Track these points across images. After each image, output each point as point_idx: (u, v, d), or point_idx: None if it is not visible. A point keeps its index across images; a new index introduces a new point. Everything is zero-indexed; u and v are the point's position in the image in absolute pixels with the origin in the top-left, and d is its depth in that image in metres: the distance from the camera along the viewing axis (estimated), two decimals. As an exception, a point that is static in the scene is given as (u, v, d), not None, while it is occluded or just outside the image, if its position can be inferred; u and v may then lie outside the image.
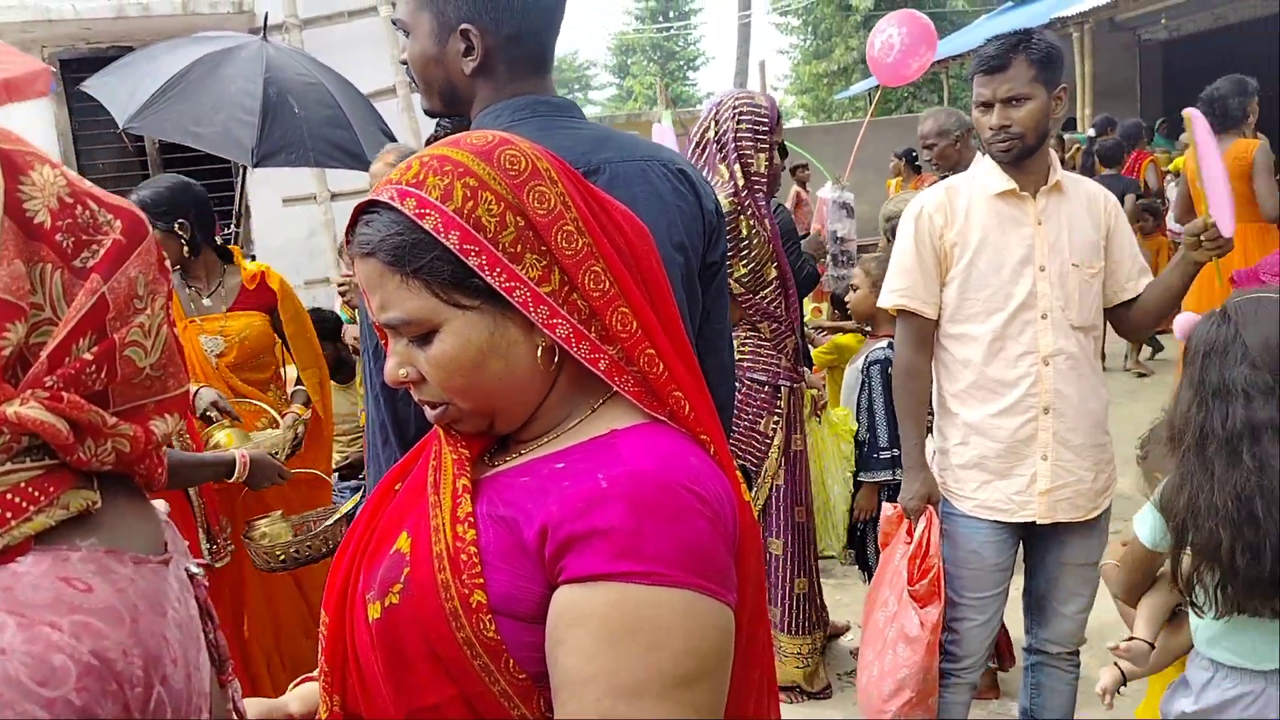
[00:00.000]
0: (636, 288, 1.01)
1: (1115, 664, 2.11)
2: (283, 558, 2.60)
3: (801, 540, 3.40)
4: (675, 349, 1.03)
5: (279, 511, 2.77)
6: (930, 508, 2.60)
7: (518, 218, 0.97)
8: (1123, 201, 7.00)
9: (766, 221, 3.20)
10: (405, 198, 0.96)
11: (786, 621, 3.41)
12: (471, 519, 0.97)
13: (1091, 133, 9.30)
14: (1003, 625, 3.18)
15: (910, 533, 2.65)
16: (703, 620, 0.89)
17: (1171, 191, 8.06)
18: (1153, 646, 2.08)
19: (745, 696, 1.03)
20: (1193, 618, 1.92)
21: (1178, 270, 2.46)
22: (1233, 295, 1.85)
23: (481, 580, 0.94)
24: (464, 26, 1.52)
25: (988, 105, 2.45)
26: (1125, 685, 2.12)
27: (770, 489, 3.32)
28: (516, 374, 1.00)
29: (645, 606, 0.87)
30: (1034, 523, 2.52)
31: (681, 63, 39.12)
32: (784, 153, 4.04)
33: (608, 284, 0.99)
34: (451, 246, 0.95)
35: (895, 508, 2.73)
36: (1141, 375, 7.45)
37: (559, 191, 0.99)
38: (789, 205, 9.75)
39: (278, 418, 3.07)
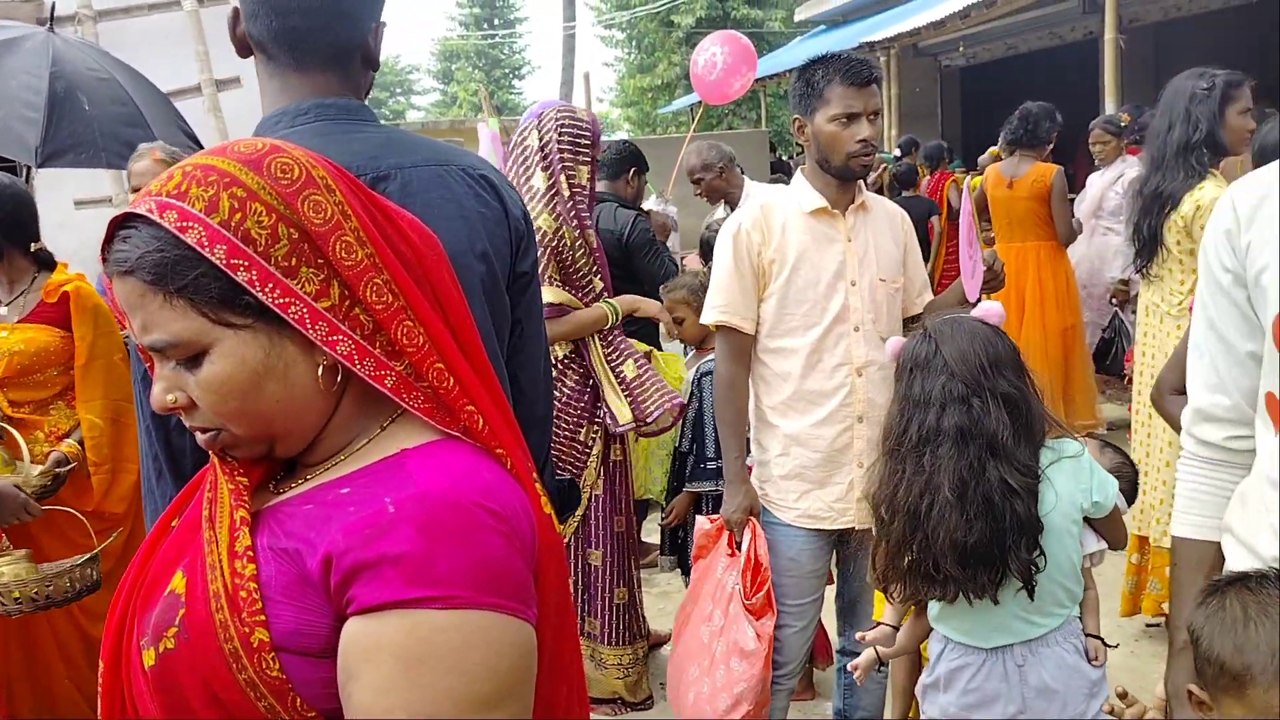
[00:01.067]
0: (425, 299, 0.97)
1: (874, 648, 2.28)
2: (18, 598, 2.35)
3: (621, 550, 3.40)
4: (469, 361, 0.99)
5: (24, 551, 2.52)
6: (753, 520, 2.64)
7: (291, 229, 0.91)
8: (925, 222, 7.38)
9: (591, 233, 3.19)
10: (165, 210, 0.89)
11: (607, 632, 3.40)
12: (250, 553, 0.91)
13: (897, 153, 9.79)
14: (821, 627, 3.28)
15: (731, 546, 2.68)
16: (501, 640, 0.87)
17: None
18: (897, 629, 2.27)
19: (553, 712, 1.01)
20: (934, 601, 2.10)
21: (957, 294, 2.62)
22: (931, 318, 2.07)
23: (263, 618, 0.89)
24: (235, 5, 1.46)
25: (853, 117, 2.47)
26: (881, 667, 2.33)
27: (590, 498, 3.30)
28: (296, 395, 0.95)
29: (440, 632, 0.85)
30: (850, 528, 2.60)
31: (507, 70, 38.93)
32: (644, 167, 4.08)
33: (392, 296, 0.94)
34: (218, 262, 0.89)
35: (712, 520, 2.76)
36: None
37: (336, 200, 0.94)
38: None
39: (22, 446, 2.76)
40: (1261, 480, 1.37)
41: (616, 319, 3.18)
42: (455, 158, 1.53)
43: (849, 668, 2.24)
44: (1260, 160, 2.96)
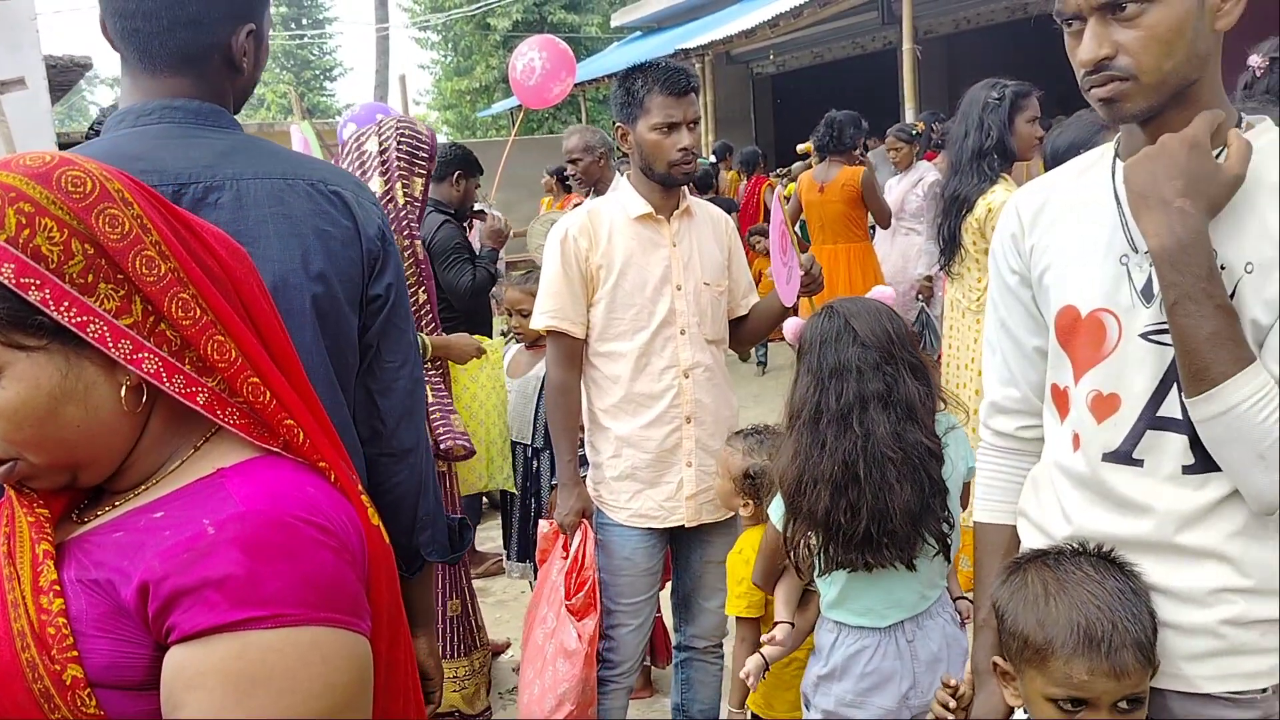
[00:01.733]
0: (235, 313, 0.94)
1: (760, 651, 2.27)
2: None
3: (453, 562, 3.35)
4: (285, 375, 0.97)
5: None
6: (585, 522, 2.66)
7: (86, 245, 0.87)
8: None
9: (419, 245, 3.14)
10: None
11: (441, 645, 3.35)
12: (57, 587, 0.86)
13: (713, 158, 10.05)
14: (661, 625, 3.33)
15: (566, 548, 2.70)
16: (337, 654, 0.86)
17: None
18: (792, 625, 2.27)
19: (391, 724, 1.00)
20: (821, 587, 2.13)
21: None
22: (831, 300, 2.11)
23: (75, 653, 0.84)
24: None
25: (674, 126, 2.51)
26: (717, 659, 2.36)
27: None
28: (98, 419, 0.90)
29: (271, 652, 0.82)
30: (681, 526, 2.66)
31: (317, 72, 37.66)
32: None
33: (199, 311, 0.91)
34: (6, 281, 0.84)
35: (551, 524, 2.77)
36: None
37: (134, 214, 0.90)
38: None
39: None
40: (1051, 466, 1.48)
41: (425, 355, 3.08)
42: (307, 171, 1.47)
43: (741, 675, 2.25)
44: (1052, 163, 3.20)
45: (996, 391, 1.59)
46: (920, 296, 6.11)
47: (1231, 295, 1.24)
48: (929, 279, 5.70)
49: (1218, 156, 1.26)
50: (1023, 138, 3.28)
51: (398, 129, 3.07)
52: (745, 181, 9.83)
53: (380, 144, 3.06)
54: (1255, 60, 2.49)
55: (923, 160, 6.45)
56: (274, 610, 0.83)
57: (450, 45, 27.89)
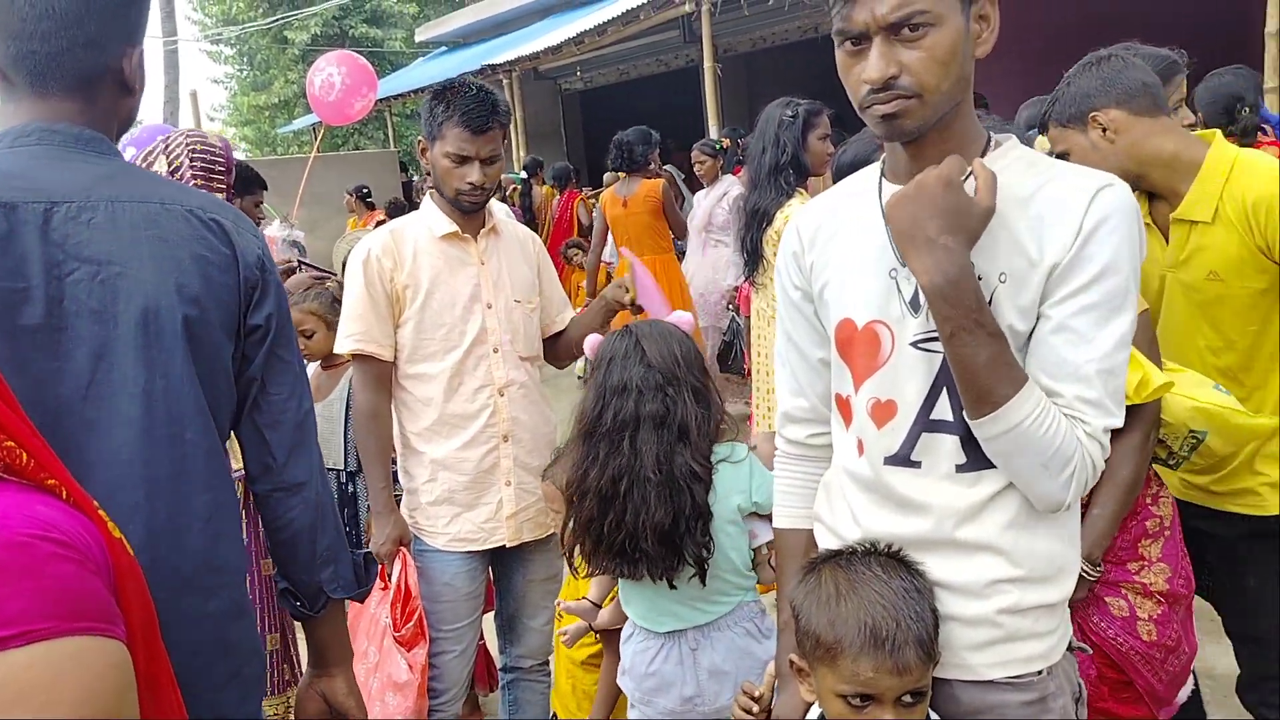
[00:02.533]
0: None
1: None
2: None
3: (271, 594, 3.21)
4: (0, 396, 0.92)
5: None
6: (404, 549, 2.60)
7: None
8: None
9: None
10: None
11: (261, 687, 3.20)
12: None
13: (524, 174, 10.06)
14: (486, 652, 3.28)
15: (384, 578, 2.62)
16: (98, 662, 0.85)
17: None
18: (598, 606, 2.37)
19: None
20: (620, 584, 2.20)
21: (598, 311, 2.76)
22: (631, 322, 2.18)
23: None
24: None
25: (465, 159, 2.49)
26: (544, 677, 2.46)
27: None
28: None
29: (24, 669, 0.80)
30: (503, 546, 2.63)
31: (100, 87, 35.34)
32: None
33: None
34: None
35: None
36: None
37: None
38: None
39: None
40: (839, 471, 1.56)
41: None
42: (185, 198, 1.45)
43: (558, 634, 2.30)
44: (838, 178, 3.37)
45: (787, 402, 1.66)
46: (730, 306, 6.31)
47: (989, 304, 1.33)
48: (737, 289, 5.89)
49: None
50: (815, 153, 3.44)
51: (188, 144, 2.92)
52: (558, 196, 9.88)
53: (171, 162, 2.90)
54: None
55: (729, 175, 6.66)
56: (21, 628, 0.80)
57: (246, 59, 26.78)
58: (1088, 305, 1.31)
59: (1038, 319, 1.35)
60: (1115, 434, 1.61)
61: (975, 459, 1.39)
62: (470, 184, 2.50)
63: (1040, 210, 1.34)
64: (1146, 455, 2.02)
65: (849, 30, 1.33)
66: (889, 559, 1.43)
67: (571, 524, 2.10)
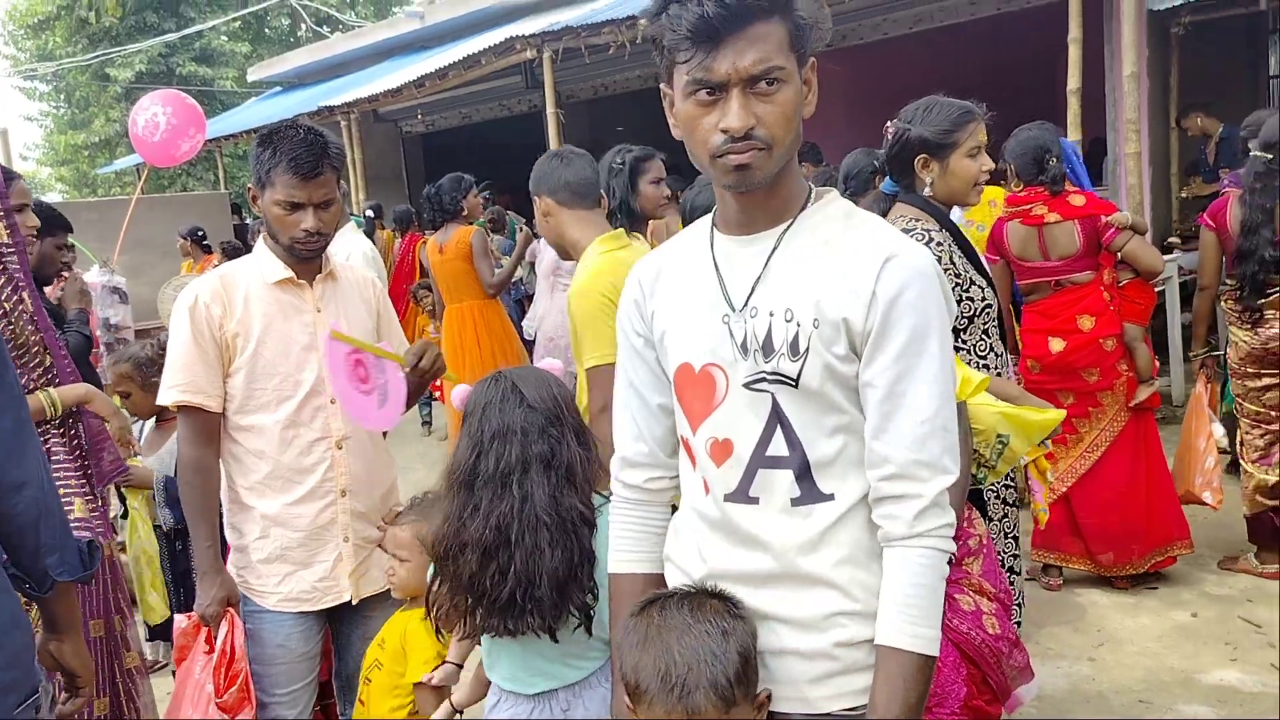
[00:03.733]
0: None
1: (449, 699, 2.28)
2: None
3: (100, 654, 2.98)
4: None
5: None
6: (231, 610, 2.46)
7: None
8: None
9: (25, 294, 2.76)
10: None
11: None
12: None
13: (370, 213, 9.84)
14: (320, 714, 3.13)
15: (209, 642, 2.47)
16: None
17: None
18: (460, 666, 2.29)
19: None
20: (482, 645, 2.10)
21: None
22: (499, 369, 2.12)
23: None
24: None
25: (297, 206, 2.40)
26: (460, 714, 2.30)
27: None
28: None
29: None
30: (340, 604, 2.53)
31: (-104, 122, 32.84)
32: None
33: None
34: None
35: (190, 617, 2.53)
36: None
37: None
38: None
39: None
40: (689, 511, 1.59)
41: (55, 412, 2.70)
42: None
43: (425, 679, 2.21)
44: (688, 220, 3.43)
45: (627, 446, 1.68)
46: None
47: (806, 349, 1.41)
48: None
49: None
50: (647, 198, 3.49)
51: None
52: (400, 240, 9.71)
53: None
54: (888, 125, 2.93)
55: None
56: None
57: (63, 96, 25.39)
58: (905, 371, 1.39)
59: (862, 384, 1.42)
60: None
61: (809, 493, 1.45)
62: (305, 231, 2.41)
63: (845, 267, 1.42)
64: (969, 457, 2.13)
65: (708, 80, 1.36)
66: (702, 600, 1.46)
67: (438, 585, 2.01)
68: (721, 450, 1.49)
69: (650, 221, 3.74)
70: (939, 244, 2.76)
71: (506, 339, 6.09)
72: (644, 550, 1.67)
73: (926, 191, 2.86)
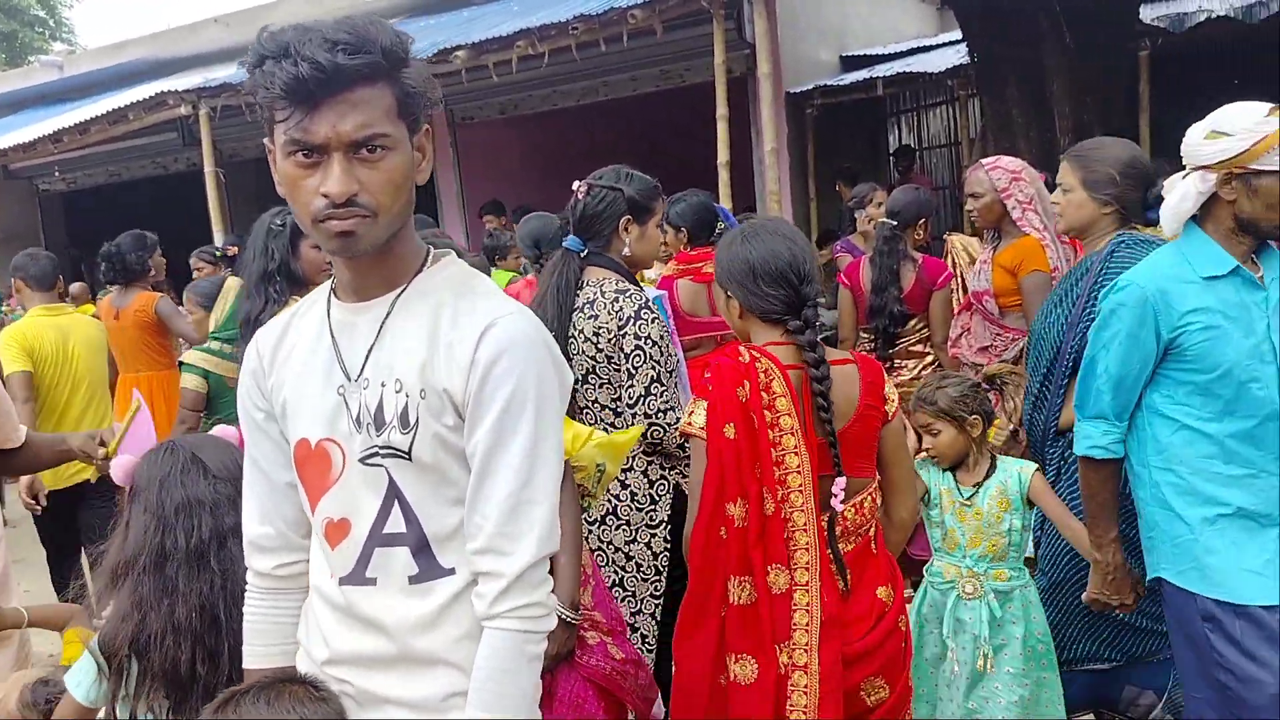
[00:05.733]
0: None
1: None
2: None
3: None
4: None
5: None
6: None
7: None
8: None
9: None
10: None
11: None
12: None
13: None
14: None
15: None
16: None
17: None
18: None
19: None
20: None
21: (56, 452, 2.59)
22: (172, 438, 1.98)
23: None
24: None
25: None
26: None
27: None
28: None
29: None
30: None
31: None
32: None
33: None
34: None
35: None
36: None
37: None
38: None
39: None
40: (314, 591, 1.51)
41: None
42: None
43: None
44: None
45: (254, 530, 1.58)
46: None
47: (416, 421, 1.36)
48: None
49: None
50: (309, 261, 3.35)
51: None
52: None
53: None
54: (577, 185, 2.96)
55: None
56: None
57: None
58: (498, 441, 1.35)
59: (468, 454, 1.38)
60: None
61: (428, 569, 1.40)
62: None
63: (450, 334, 1.38)
64: (579, 503, 2.18)
65: (307, 142, 1.30)
66: (281, 689, 1.40)
67: (123, 688, 1.77)
68: (337, 531, 1.43)
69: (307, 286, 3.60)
70: (646, 306, 2.83)
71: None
72: (276, 643, 1.56)
73: (626, 252, 2.93)
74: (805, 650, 1.98)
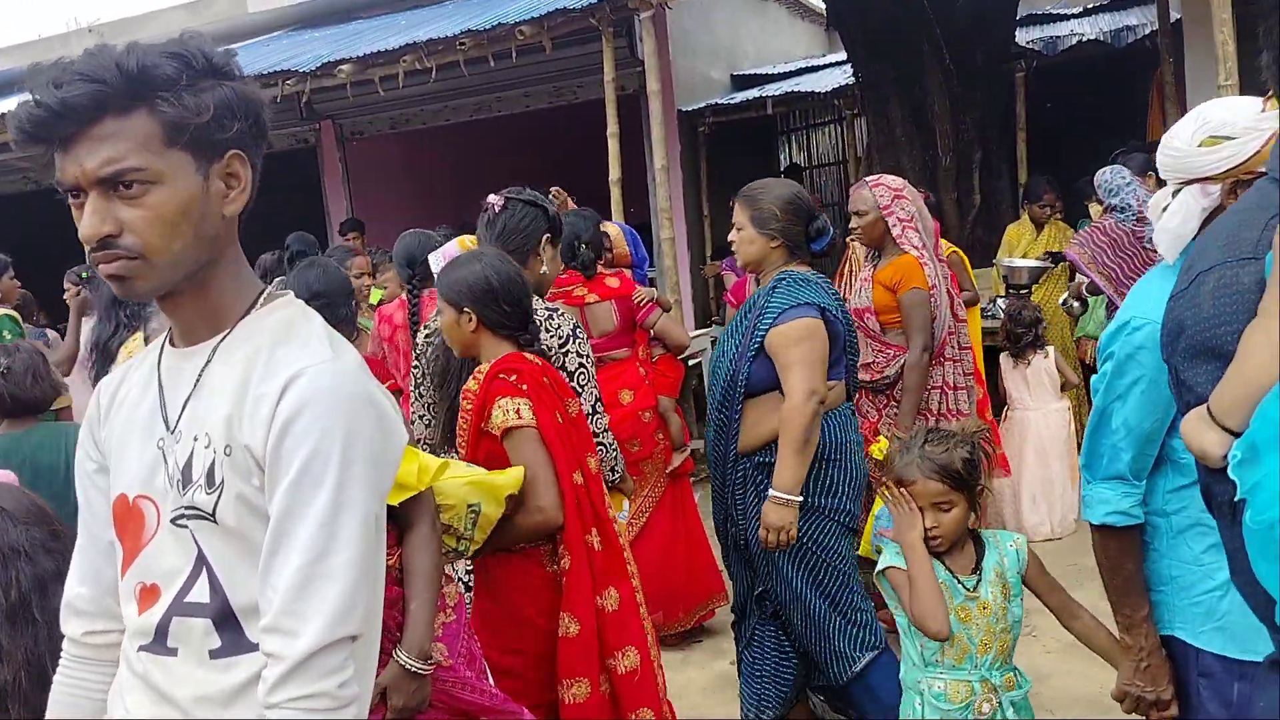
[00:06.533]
0: None
1: None
2: None
3: None
4: None
5: None
6: None
7: None
8: None
9: None
10: None
11: None
12: None
13: None
14: None
15: None
16: None
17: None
18: None
19: None
20: None
21: None
22: None
23: None
24: None
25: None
26: None
27: None
28: None
29: None
30: None
31: None
32: None
33: None
34: None
35: None
36: None
37: None
38: None
39: None
40: (123, 657, 1.38)
41: None
42: None
43: None
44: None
45: (72, 589, 1.45)
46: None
47: (221, 481, 1.25)
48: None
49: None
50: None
51: None
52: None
53: None
54: (493, 199, 2.89)
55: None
56: None
57: None
58: (292, 506, 1.21)
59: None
60: (406, 528, 1.88)
61: (232, 643, 1.28)
62: None
63: (258, 386, 1.26)
64: (439, 541, 2.12)
65: (63, 183, 1.21)
66: None
67: None
68: (148, 596, 1.31)
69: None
70: (577, 323, 2.82)
71: None
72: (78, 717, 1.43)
73: (543, 270, 2.88)
74: None
